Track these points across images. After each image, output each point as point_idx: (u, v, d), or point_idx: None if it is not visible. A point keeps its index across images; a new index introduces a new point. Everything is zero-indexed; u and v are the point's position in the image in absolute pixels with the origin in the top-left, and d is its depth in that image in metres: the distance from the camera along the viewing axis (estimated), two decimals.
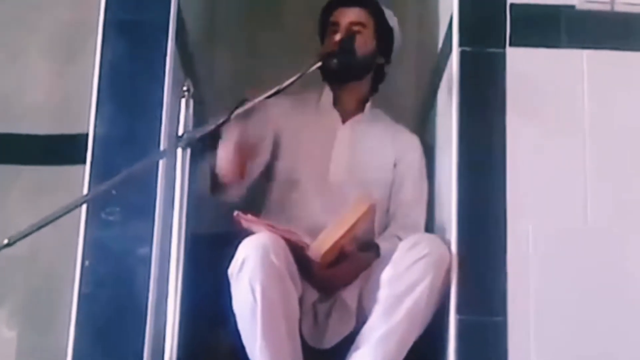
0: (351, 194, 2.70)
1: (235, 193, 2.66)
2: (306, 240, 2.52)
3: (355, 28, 2.83)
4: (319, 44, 2.91)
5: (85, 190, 2.43)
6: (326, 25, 2.90)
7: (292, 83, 2.43)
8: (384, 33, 2.91)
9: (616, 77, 2.52)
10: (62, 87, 2.72)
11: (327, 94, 2.89)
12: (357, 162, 2.81)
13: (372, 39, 2.87)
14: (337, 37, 2.81)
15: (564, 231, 2.42)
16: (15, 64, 2.75)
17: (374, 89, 2.95)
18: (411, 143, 2.90)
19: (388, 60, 2.95)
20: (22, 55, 2.75)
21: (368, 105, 2.91)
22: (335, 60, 2.66)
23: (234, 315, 2.44)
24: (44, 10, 2.78)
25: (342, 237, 2.51)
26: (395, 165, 2.85)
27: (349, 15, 2.85)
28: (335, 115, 2.88)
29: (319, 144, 2.82)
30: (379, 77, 2.94)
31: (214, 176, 2.59)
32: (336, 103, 2.89)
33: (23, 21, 2.77)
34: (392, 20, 2.94)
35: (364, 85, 2.91)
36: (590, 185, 2.45)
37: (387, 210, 2.81)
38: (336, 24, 2.85)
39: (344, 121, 2.87)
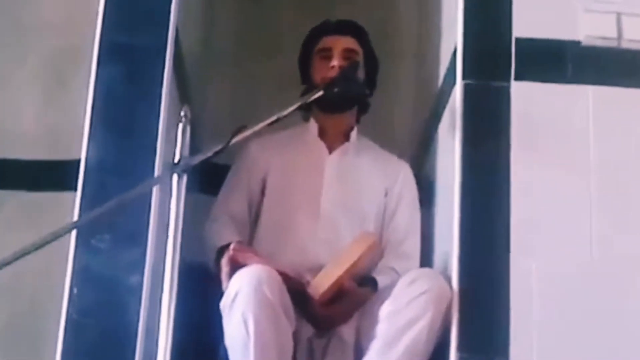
0: (343, 226, 2.67)
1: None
2: (306, 277, 2.48)
3: (351, 55, 2.77)
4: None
5: (75, 217, 2.37)
6: (310, 54, 2.85)
7: (293, 110, 2.40)
8: (371, 64, 2.86)
9: (622, 114, 2.49)
10: (52, 113, 2.67)
11: (313, 126, 2.83)
12: (348, 192, 2.75)
13: (362, 69, 2.80)
14: (334, 62, 2.75)
15: (569, 269, 2.37)
16: (4, 89, 2.70)
17: (357, 120, 2.88)
18: (401, 170, 2.84)
19: (372, 91, 2.88)
20: (12, 80, 2.71)
21: (354, 133, 2.84)
22: (336, 89, 2.58)
23: (225, 348, 2.38)
24: (34, 35, 2.74)
25: (343, 275, 2.46)
26: (386, 193, 2.79)
27: (343, 42, 2.80)
28: (322, 146, 2.81)
29: (308, 176, 2.76)
30: (362, 107, 2.88)
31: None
32: (322, 134, 2.83)
33: (13, 46, 2.74)
34: None
35: (350, 116, 2.85)
36: (595, 222, 2.41)
37: (381, 240, 2.73)
38: (327, 50, 2.80)
39: (330, 152, 2.81)
